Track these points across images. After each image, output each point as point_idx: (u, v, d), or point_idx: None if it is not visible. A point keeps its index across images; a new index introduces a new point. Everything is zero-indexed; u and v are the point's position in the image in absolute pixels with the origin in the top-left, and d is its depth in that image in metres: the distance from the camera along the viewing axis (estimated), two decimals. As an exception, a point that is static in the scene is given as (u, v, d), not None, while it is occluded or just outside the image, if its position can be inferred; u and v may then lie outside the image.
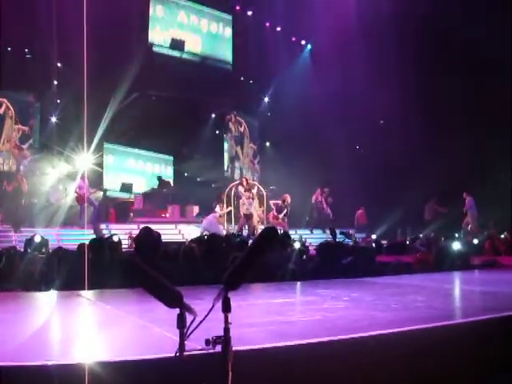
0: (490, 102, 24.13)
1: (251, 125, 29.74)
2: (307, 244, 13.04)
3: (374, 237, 18.77)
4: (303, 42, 30.21)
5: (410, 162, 25.17)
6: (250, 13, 28.81)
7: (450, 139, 26.60)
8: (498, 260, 11.75)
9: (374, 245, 11.48)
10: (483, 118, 24.79)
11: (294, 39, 29.89)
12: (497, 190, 26.56)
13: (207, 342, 2.58)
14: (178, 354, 2.57)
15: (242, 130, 29.51)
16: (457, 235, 19.00)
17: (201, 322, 2.58)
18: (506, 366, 3.93)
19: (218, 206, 20.73)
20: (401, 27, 23.95)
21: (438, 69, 23.88)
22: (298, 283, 7.64)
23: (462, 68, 23.95)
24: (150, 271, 2.51)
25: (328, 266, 8.50)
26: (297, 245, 10.09)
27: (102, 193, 22.73)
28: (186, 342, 2.59)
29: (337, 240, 14.66)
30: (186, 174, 26.71)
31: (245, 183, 21.30)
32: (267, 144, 30.03)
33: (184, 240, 16.61)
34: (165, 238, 15.15)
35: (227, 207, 21.29)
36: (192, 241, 10.90)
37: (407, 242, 15.84)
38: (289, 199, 21.75)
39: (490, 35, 21.79)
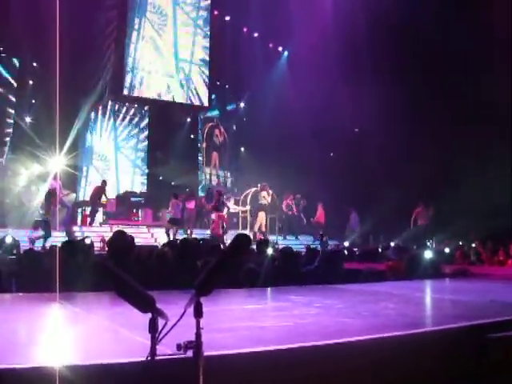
0: (464, 112, 24.40)
1: (227, 130, 29.72)
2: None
3: (346, 244, 18.88)
4: (280, 49, 30.27)
5: (383, 169, 25.33)
6: (227, 18, 28.82)
7: (424, 148, 26.85)
8: (469, 269, 11.89)
9: (346, 252, 11.53)
10: (457, 127, 25.03)
11: (271, 45, 29.95)
12: (470, 199, 26.88)
13: (179, 346, 2.59)
14: (149, 359, 2.57)
15: (220, 136, 29.43)
16: (428, 244, 19.20)
17: (172, 326, 2.59)
18: (475, 376, 3.97)
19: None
20: (377, 36, 24.13)
21: (414, 77, 24.09)
22: (270, 289, 7.64)
23: (437, 77, 24.19)
24: (122, 275, 2.52)
25: (291, 272, 8.50)
26: (269, 251, 10.09)
27: (74, 195, 22.59)
28: (157, 347, 2.59)
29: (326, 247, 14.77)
30: (160, 178, 26.60)
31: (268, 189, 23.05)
32: (242, 149, 30.03)
33: (157, 244, 16.60)
34: (137, 241, 15.16)
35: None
36: (165, 245, 10.88)
37: (379, 250, 15.94)
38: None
39: (463, 46, 22.06)
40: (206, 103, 28.88)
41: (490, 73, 23.11)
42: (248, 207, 23.39)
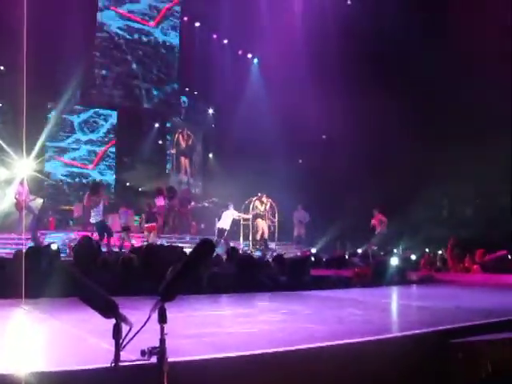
0: (428, 121, 24.71)
1: (196, 136, 29.67)
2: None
3: (313, 251, 18.94)
4: (250, 56, 30.33)
5: (350, 176, 25.49)
6: (197, 24, 28.79)
7: (391, 156, 27.10)
8: (435, 275, 12.02)
9: (313, 258, 11.58)
10: (422, 136, 25.33)
11: (240, 52, 29.99)
12: (437, 207, 27.19)
13: (143, 352, 2.58)
14: (113, 365, 2.56)
15: (183, 141, 29.36)
16: (395, 250, 19.35)
17: (137, 332, 2.58)
18: (439, 380, 4.02)
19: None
20: (345, 44, 24.34)
21: (381, 86, 24.28)
22: (236, 295, 7.64)
23: (402, 85, 24.45)
24: (85, 280, 2.50)
25: (257, 279, 8.51)
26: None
27: (41, 200, 22.32)
28: (122, 353, 2.58)
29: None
30: (127, 184, 26.43)
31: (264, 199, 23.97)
32: (210, 156, 30.00)
33: (124, 250, 16.51)
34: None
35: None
36: (131, 251, 10.82)
37: (346, 257, 16.03)
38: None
39: (428, 57, 22.36)
40: (174, 109, 28.85)
41: (459, 81, 23.42)
42: (250, 215, 24.05)
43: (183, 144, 29.27)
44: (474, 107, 22.96)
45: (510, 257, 15.40)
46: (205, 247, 2.57)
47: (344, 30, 24.97)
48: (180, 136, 29.19)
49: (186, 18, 28.93)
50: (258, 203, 24.00)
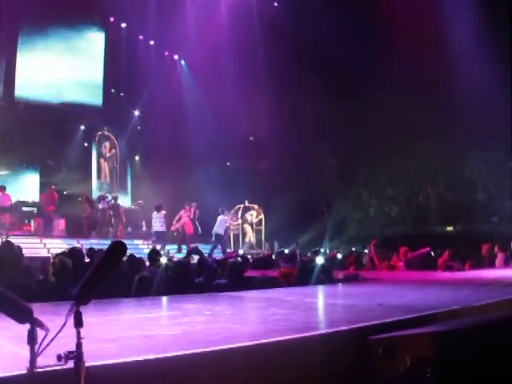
0: (355, 122, 25.15)
1: (121, 139, 29.25)
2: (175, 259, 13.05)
3: (240, 252, 19.00)
4: (176, 57, 30.18)
5: (278, 177, 25.70)
6: (123, 25, 28.43)
7: (319, 157, 27.47)
8: (361, 274, 12.22)
9: (239, 259, 11.59)
10: (350, 137, 25.76)
11: (166, 53, 29.82)
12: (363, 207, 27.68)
13: (59, 357, 2.55)
14: (28, 371, 2.52)
15: (111, 145, 28.99)
16: (322, 250, 19.59)
17: (53, 338, 2.55)
18: (359, 375, 4.10)
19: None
20: (271, 45, 24.53)
21: (306, 87, 24.58)
22: (163, 298, 7.61)
23: (329, 87, 24.80)
24: (-3, 287, 2.46)
25: (185, 281, 8.49)
26: (163, 260, 10.04)
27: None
28: (39, 359, 2.55)
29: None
30: (52, 187, 25.87)
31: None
32: (136, 158, 29.70)
33: (49, 255, 16.19)
34: (30, 252, 14.72)
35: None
36: (57, 255, 10.60)
37: (273, 257, 16.13)
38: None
39: (353, 58, 22.76)
40: (99, 110, 28.45)
41: (384, 82, 23.93)
42: (239, 221, 25.45)
43: (105, 147, 28.89)
44: (399, 108, 23.49)
45: (432, 254, 15.83)
46: (116, 250, 2.56)
47: (270, 31, 25.16)
48: (102, 139, 28.80)
49: (112, 19, 28.54)
50: (254, 212, 25.38)
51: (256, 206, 25.63)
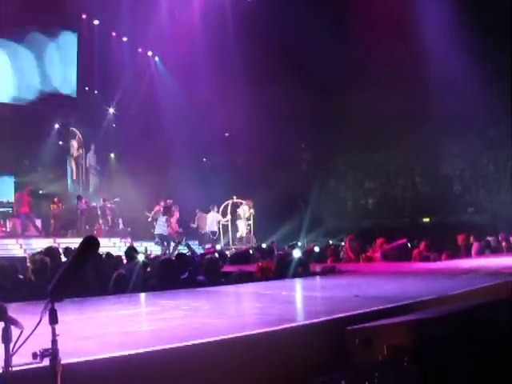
0: (332, 115, 25.28)
1: (95, 136, 28.94)
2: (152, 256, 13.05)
3: (218, 247, 19.02)
4: (150, 53, 30.04)
5: (255, 172, 25.75)
6: (96, 22, 28.18)
7: (296, 151, 27.55)
8: (338, 266, 12.25)
9: (217, 255, 11.59)
10: (327, 129, 25.87)
11: (140, 50, 29.63)
12: (340, 201, 27.82)
13: (34, 355, 2.55)
14: (3, 370, 2.51)
15: (79, 145, 28.75)
16: (299, 243, 19.68)
17: (29, 335, 2.55)
18: (336, 365, 4.12)
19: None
20: (245, 41, 24.52)
21: (280, 82, 24.62)
22: (141, 295, 7.59)
23: (303, 81, 24.88)
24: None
25: (170, 281, 8.47)
26: (141, 257, 10.04)
27: None
28: (15, 358, 2.54)
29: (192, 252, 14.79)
30: (28, 187, 25.64)
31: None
32: (112, 155, 29.51)
33: (25, 255, 16.10)
34: (5, 253, 14.63)
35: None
36: (36, 254, 10.52)
37: (251, 252, 16.14)
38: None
39: (328, 54, 22.86)
40: (73, 108, 28.21)
41: (359, 80, 24.05)
42: (229, 217, 25.62)
43: (72, 146, 28.68)
44: (376, 102, 23.62)
45: (409, 245, 15.93)
46: (88, 245, 2.56)
47: (245, 27, 25.14)
48: (70, 137, 28.57)
49: (84, 16, 28.26)
50: (246, 207, 25.36)
51: (245, 201, 25.60)
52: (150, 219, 24.13)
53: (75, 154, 28.59)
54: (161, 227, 22.50)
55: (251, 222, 25.69)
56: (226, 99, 25.43)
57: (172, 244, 21.94)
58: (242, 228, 25.28)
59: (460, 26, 21.77)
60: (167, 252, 19.91)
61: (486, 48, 21.53)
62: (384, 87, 23.29)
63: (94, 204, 25.07)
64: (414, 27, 22.87)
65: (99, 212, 24.32)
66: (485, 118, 23.44)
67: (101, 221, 24.31)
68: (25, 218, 22.36)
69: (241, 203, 25.64)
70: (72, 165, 28.56)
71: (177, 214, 23.53)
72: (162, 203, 23.74)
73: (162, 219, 22.55)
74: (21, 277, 8.22)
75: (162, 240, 22.37)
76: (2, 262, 8.55)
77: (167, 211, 22.61)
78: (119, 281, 8.25)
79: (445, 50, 22.82)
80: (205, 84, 25.31)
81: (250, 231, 25.56)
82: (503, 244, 17.62)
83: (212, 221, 23.97)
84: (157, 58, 30.45)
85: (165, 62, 29.71)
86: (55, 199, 24.02)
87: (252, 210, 25.42)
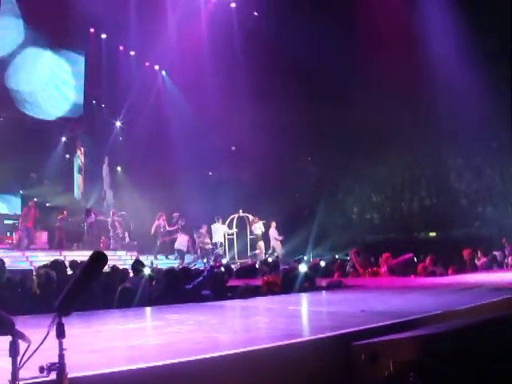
0: (338, 130, 25.28)
1: (101, 150, 28.96)
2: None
3: (224, 261, 18.99)
4: (157, 67, 30.16)
5: (260, 186, 25.70)
6: (103, 36, 28.34)
7: (301, 165, 27.53)
8: (344, 281, 12.21)
9: (223, 269, 11.58)
10: (331, 145, 25.86)
11: (147, 64, 29.77)
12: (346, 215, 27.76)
13: (41, 369, 2.55)
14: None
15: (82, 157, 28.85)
16: (305, 258, 19.62)
17: (36, 349, 2.55)
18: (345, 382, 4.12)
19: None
20: (251, 56, 24.61)
21: (287, 97, 24.67)
22: (147, 309, 7.59)
23: (310, 97, 24.92)
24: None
25: (174, 291, 8.47)
26: (147, 270, 10.04)
27: None
28: (22, 371, 2.54)
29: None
30: (35, 200, 25.69)
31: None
32: (118, 169, 29.56)
33: (31, 267, 16.11)
34: (12, 265, 14.62)
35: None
36: (41, 267, 10.53)
37: (257, 266, 16.12)
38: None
39: (335, 70, 22.90)
40: (80, 123, 28.33)
41: (364, 93, 24.07)
42: (235, 230, 25.53)
43: (81, 158, 28.78)
44: (382, 116, 23.63)
45: (415, 260, 15.88)
46: (96, 260, 2.57)
47: (251, 40, 25.25)
48: (78, 152, 28.67)
49: (92, 30, 28.42)
50: (259, 224, 24.90)
51: (252, 217, 25.42)
52: (152, 233, 24.07)
53: (82, 166, 28.66)
54: (181, 244, 22.82)
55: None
56: (232, 113, 25.50)
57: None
58: (262, 247, 24.85)
59: (467, 37, 21.83)
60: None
61: (491, 57, 21.56)
62: (389, 100, 23.31)
63: (101, 217, 25.08)
64: (420, 39, 22.93)
65: (109, 226, 24.31)
66: (488, 129, 23.45)
67: (111, 234, 24.30)
68: (27, 232, 22.41)
69: (247, 217, 25.51)
70: (79, 178, 28.63)
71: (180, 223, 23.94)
72: (163, 218, 23.78)
73: (185, 237, 23.17)
74: (24, 290, 8.23)
75: (181, 255, 22.77)
76: (9, 276, 8.59)
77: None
78: (124, 294, 8.26)
79: (449, 62, 22.85)
80: (211, 98, 25.39)
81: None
82: (510, 258, 17.59)
83: (218, 231, 23.99)
84: (164, 72, 30.58)
85: (172, 76, 29.82)
86: (64, 212, 23.99)
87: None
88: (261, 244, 24.65)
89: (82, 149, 28.63)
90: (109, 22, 26.70)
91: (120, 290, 8.22)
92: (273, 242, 24.41)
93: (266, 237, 24.70)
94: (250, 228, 25.34)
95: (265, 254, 24.18)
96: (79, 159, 28.65)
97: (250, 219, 25.35)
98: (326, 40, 23.21)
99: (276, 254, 23.52)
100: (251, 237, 25.44)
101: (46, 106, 26.85)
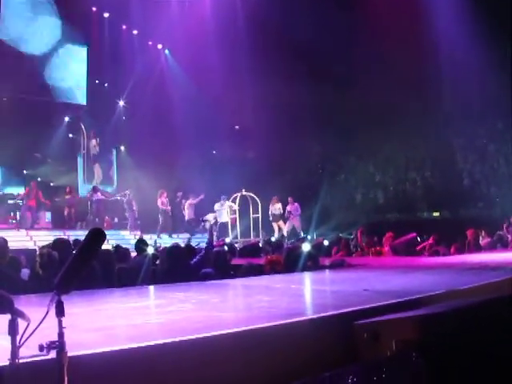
0: (340, 108, 25.20)
1: (104, 128, 28.93)
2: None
3: (227, 240, 19.01)
4: (160, 46, 30.04)
5: (263, 165, 25.68)
6: (106, 15, 28.19)
7: (305, 144, 27.48)
8: (347, 260, 12.22)
9: (226, 248, 11.58)
10: (335, 123, 25.81)
11: (150, 43, 29.65)
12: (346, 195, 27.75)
13: (41, 347, 2.54)
14: (10, 362, 2.51)
15: (97, 146, 28.81)
16: (308, 237, 19.65)
17: (36, 328, 2.54)
18: (344, 361, 4.11)
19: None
20: (255, 35, 24.48)
21: (291, 75, 24.60)
22: (149, 287, 7.60)
23: (313, 75, 24.84)
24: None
25: (177, 269, 8.48)
26: (150, 250, 10.04)
27: None
28: (22, 350, 2.53)
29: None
30: (38, 179, 25.70)
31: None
32: (122, 148, 29.54)
33: (35, 247, 16.13)
34: (15, 245, 14.63)
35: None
36: (44, 247, 10.54)
37: (260, 245, 16.15)
38: None
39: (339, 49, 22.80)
40: (83, 102, 28.29)
41: (368, 72, 23.99)
42: (237, 207, 25.12)
43: (96, 149, 28.77)
44: (386, 95, 23.58)
45: (418, 239, 15.89)
46: (95, 237, 2.55)
47: (255, 19, 25.11)
48: (93, 141, 28.65)
49: (94, 9, 28.26)
50: (277, 204, 24.53)
51: (254, 196, 25.21)
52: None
53: (86, 146, 28.65)
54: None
55: (259, 215, 25.45)
56: (236, 92, 25.42)
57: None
58: (282, 225, 24.66)
59: (469, 17, 21.70)
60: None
61: (496, 36, 21.42)
62: (395, 80, 23.21)
63: (111, 197, 25.14)
64: (425, 21, 22.80)
65: (125, 204, 24.35)
66: (493, 109, 23.37)
67: (127, 214, 24.39)
68: (31, 211, 22.45)
69: (250, 196, 25.38)
70: (83, 157, 28.63)
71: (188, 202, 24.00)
72: (164, 195, 23.65)
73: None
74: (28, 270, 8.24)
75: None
76: (12, 255, 8.58)
77: None
78: (120, 275, 8.28)
79: (453, 44, 22.73)
80: (215, 77, 25.31)
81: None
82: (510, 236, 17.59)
83: (224, 212, 23.92)
84: (167, 51, 30.46)
85: (175, 55, 29.71)
86: (67, 189, 23.97)
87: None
88: (280, 224, 24.51)
89: (98, 139, 28.64)
90: (111, 1, 26.59)
91: (116, 270, 8.23)
92: (293, 220, 24.22)
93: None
94: (270, 208, 24.94)
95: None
96: (95, 150, 28.63)
97: (274, 199, 24.99)
98: (330, 19, 23.08)
99: (299, 231, 23.54)
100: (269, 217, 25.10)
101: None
